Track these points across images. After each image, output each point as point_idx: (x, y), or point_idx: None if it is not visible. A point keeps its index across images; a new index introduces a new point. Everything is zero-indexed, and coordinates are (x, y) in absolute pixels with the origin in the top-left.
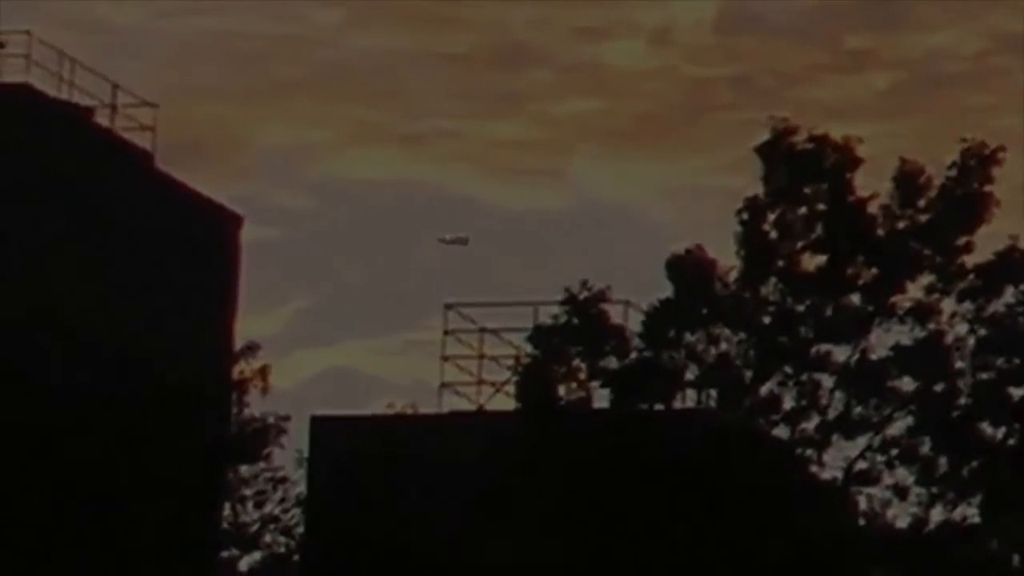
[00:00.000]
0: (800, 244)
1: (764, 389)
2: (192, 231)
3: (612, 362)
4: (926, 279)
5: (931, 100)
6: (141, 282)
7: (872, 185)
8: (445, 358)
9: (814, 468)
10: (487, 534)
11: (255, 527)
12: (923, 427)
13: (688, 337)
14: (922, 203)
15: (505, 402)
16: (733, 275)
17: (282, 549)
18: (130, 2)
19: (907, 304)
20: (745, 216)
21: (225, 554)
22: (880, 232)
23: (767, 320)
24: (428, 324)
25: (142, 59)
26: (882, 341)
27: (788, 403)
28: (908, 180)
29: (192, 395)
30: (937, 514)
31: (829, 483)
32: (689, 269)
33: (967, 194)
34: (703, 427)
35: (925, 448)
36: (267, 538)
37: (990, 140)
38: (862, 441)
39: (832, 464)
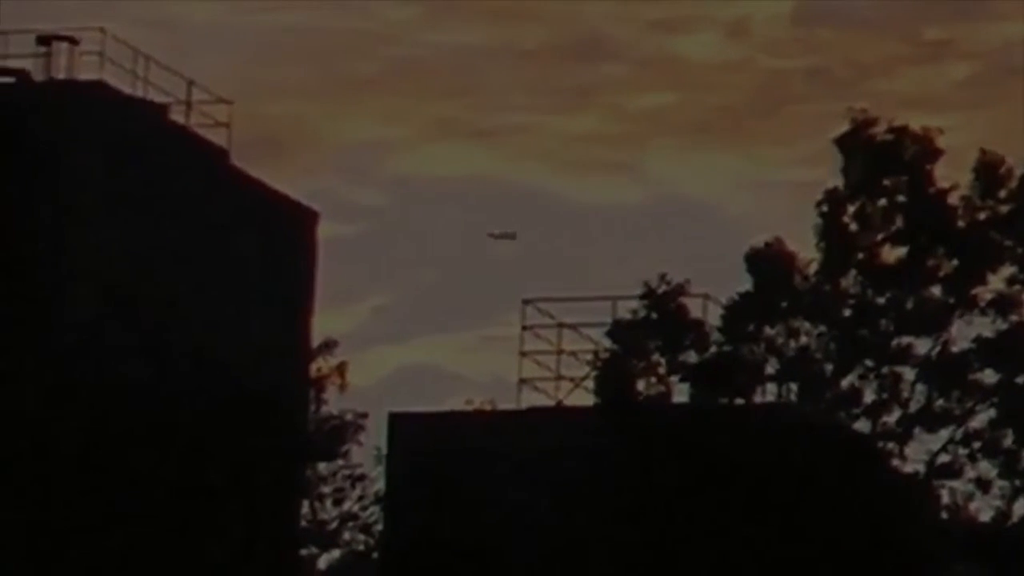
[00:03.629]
0: (880, 236)
1: (845, 382)
2: (268, 228)
3: (691, 356)
4: (1007, 270)
5: (1010, 90)
6: (217, 279)
7: (952, 176)
8: (523, 354)
9: (896, 462)
10: (566, 530)
11: (334, 525)
12: (1006, 419)
13: (768, 331)
14: (1003, 194)
15: (584, 397)
16: (813, 268)
17: (361, 547)
18: None
19: (988, 296)
20: (825, 208)
21: (304, 552)
22: (961, 223)
23: (847, 313)
24: (506, 320)
25: (217, 56)
26: (963, 333)
27: (869, 396)
28: (988, 171)
29: (270, 393)
30: (1020, 507)
31: (911, 477)
32: (769, 262)
33: None
34: (784, 421)
35: (1008, 441)
36: (346, 536)
37: None
38: (944, 434)
39: (914, 457)
